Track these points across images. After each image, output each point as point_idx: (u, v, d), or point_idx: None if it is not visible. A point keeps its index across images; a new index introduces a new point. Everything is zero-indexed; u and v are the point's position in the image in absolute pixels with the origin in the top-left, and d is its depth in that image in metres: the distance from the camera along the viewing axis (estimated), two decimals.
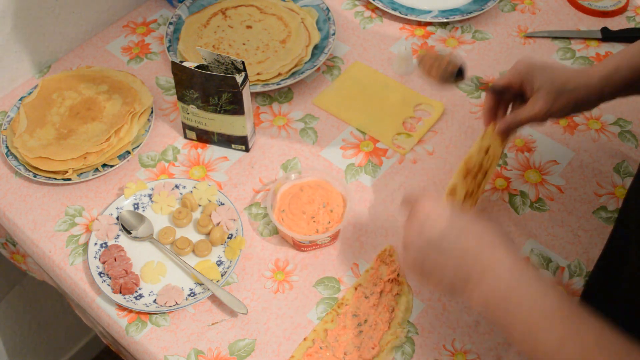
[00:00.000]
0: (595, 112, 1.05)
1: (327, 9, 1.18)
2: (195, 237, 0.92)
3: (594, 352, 0.59)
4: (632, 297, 0.72)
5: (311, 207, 0.90)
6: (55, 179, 0.97)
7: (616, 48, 1.15)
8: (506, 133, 0.89)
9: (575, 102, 0.84)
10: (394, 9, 1.20)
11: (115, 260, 0.89)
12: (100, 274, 0.88)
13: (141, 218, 0.94)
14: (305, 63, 1.11)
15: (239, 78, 0.92)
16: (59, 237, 0.93)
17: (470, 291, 0.68)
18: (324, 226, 0.89)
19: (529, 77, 0.85)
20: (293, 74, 1.09)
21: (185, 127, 1.02)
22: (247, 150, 1.02)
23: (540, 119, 0.86)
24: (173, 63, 0.94)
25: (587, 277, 0.88)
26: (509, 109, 0.91)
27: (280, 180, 0.93)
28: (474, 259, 0.68)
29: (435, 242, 0.71)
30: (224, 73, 0.94)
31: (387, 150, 1.02)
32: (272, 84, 1.07)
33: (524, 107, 0.86)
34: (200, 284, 0.88)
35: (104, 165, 0.99)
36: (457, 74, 0.89)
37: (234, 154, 1.02)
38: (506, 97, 0.90)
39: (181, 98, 0.98)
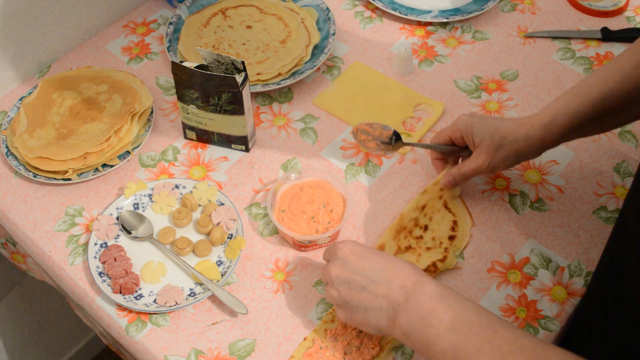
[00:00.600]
0: None
1: (327, 9, 1.18)
2: (195, 237, 0.92)
3: (513, 353, 0.62)
4: (635, 299, 0.72)
5: (311, 207, 0.90)
6: (55, 179, 0.97)
7: (616, 48, 1.15)
8: (452, 185, 0.92)
9: (517, 153, 0.86)
10: (394, 9, 1.20)
11: (115, 260, 0.89)
12: (100, 274, 0.88)
13: (141, 218, 0.94)
14: (305, 63, 1.11)
15: (239, 78, 0.92)
16: (59, 237, 0.93)
17: (395, 319, 0.70)
18: (324, 226, 0.89)
19: (468, 131, 0.88)
20: (293, 74, 1.09)
21: (185, 127, 1.02)
22: (247, 150, 1.02)
23: (484, 171, 0.89)
24: (173, 63, 0.94)
25: (587, 277, 0.88)
26: (460, 159, 0.95)
27: (280, 180, 0.93)
28: (399, 288, 0.71)
29: (361, 273, 0.74)
30: (224, 73, 0.94)
31: None
32: (272, 84, 1.07)
33: (467, 161, 0.90)
34: (200, 284, 0.88)
35: (104, 165, 0.99)
36: (395, 139, 0.94)
37: (234, 154, 1.02)
38: (453, 150, 0.93)
39: (181, 98, 0.98)
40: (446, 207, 0.93)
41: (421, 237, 0.91)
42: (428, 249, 0.90)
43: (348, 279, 0.74)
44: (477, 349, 0.64)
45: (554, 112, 0.84)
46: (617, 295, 0.76)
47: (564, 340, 0.86)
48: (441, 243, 0.90)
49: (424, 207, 0.93)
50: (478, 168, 0.88)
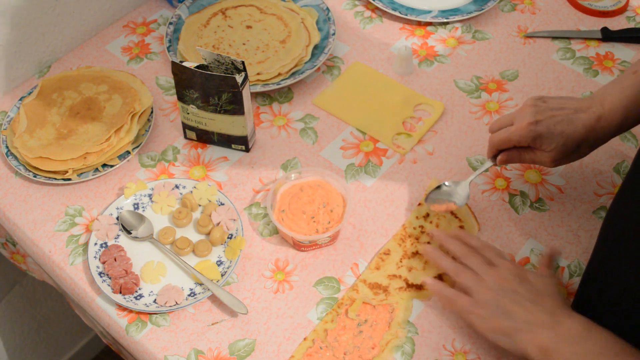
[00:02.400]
0: None
1: (327, 9, 1.18)
2: (195, 237, 0.92)
3: None
4: (625, 296, 0.72)
5: (311, 207, 0.90)
6: (55, 179, 0.97)
7: (616, 48, 1.15)
8: (505, 163, 0.90)
9: (591, 148, 0.85)
10: (394, 9, 1.20)
11: (115, 260, 0.89)
12: (100, 274, 0.88)
13: (141, 218, 0.94)
14: (305, 63, 1.11)
15: (239, 78, 0.92)
16: (59, 237, 0.93)
17: (534, 334, 0.73)
18: (324, 226, 0.89)
19: (537, 144, 0.84)
20: (293, 74, 1.09)
21: (185, 127, 1.02)
22: (247, 150, 1.02)
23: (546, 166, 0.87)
24: (173, 63, 0.94)
25: None
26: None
27: (280, 180, 0.93)
28: (549, 312, 0.75)
29: (521, 291, 0.78)
30: (224, 73, 0.94)
31: (387, 150, 1.02)
32: (272, 84, 1.07)
33: (531, 154, 0.86)
34: (200, 284, 0.88)
35: (104, 165, 0.99)
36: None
37: (234, 154, 1.02)
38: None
39: (181, 98, 0.98)
40: (452, 212, 0.93)
41: (429, 242, 0.91)
42: None
43: (509, 290, 0.78)
44: None
45: (635, 91, 0.81)
46: (602, 297, 0.76)
47: None
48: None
49: (426, 215, 0.94)
50: (541, 163, 0.86)
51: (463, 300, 0.80)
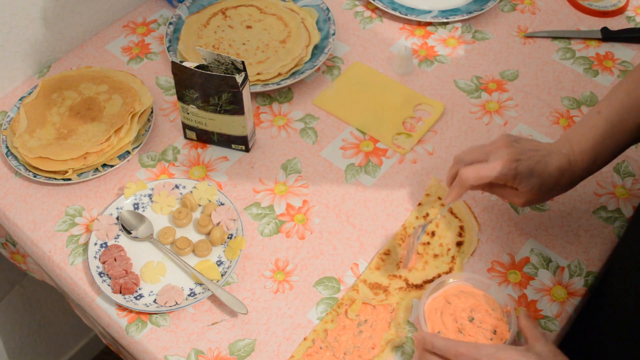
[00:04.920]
0: None
1: (327, 9, 1.18)
2: (195, 237, 0.92)
3: None
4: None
5: (465, 322, 0.82)
6: (55, 179, 0.97)
7: (616, 48, 1.15)
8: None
9: (565, 189, 0.84)
10: (394, 9, 1.20)
11: (115, 260, 0.89)
12: (100, 274, 0.88)
13: (141, 218, 0.94)
14: (305, 63, 1.11)
15: (239, 78, 0.92)
16: (59, 237, 0.93)
17: None
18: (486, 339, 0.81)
19: (515, 183, 0.81)
20: (293, 74, 1.09)
21: (185, 127, 1.02)
22: (247, 150, 1.02)
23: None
24: (173, 63, 0.94)
25: (587, 277, 0.88)
26: None
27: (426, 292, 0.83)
28: None
29: None
30: (224, 73, 0.94)
31: (387, 150, 1.02)
32: (272, 84, 1.07)
33: (502, 191, 0.84)
34: (200, 284, 0.88)
35: (104, 165, 0.99)
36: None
37: (234, 154, 1.02)
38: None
39: (181, 98, 0.98)
40: (452, 212, 0.93)
41: (428, 243, 0.91)
42: (435, 255, 0.90)
43: None
44: None
45: (602, 131, 0.80)
46: (618, 300, 0.75)
47: (564, 340, 0.86)
48: (449, 250, 0.90)
49: (426, 215, 0.94)
50: (511, 202, 0.85)
51: None
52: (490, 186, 0.84)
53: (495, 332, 0.80)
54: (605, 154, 0.82)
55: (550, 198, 0.86)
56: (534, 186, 0.80)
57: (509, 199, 0.84)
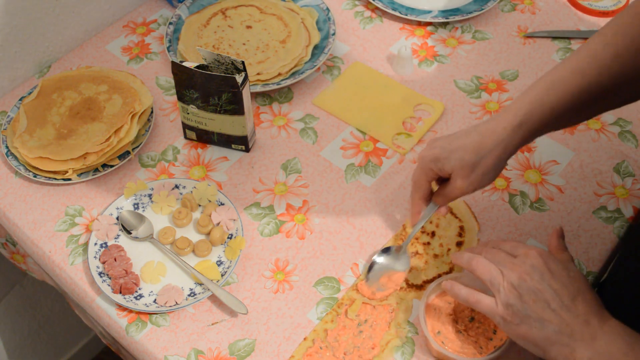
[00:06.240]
0: None
1: (327, 9, 1.18)
2: (195, 237, 0.92)
3: None
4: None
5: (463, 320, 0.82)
6: (55, 179, 0.97)
7: None
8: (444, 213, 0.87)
9: (494, 164, 0.80)
10: (394, 9, 1.20)
11: (115, 260, 0.89)
12: (100, 274, 0.88)
13: (141, 218, 0.94)
14: (305, 63, 1.11)
15: (239, 78, 0.92)
16: (59, 237, 0.93)
17: (573, 351, 0.69)
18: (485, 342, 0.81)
19: (439, 166, 0.81)
20: (293, 74, 1.09)
21: (185, 127, 1.02)
22: (247, 150, 1.02)
23: (465, 194, 0.82)
24: (173, 63, 0.94)
25: (587, 276, 0.88)
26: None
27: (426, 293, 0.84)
28: (584, 324, 0.70)
29: (552, 292, 0.71)
30: (224, 73, 0.94)
31: (387, 150, 1.02)
32: (272, 84, 1.07)
33: (445, 189, 0.83)
34: (200, 284, 0.88)
35: (104, 165, 0.99)
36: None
37: (234, 154, 1.02)
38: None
39: (181, 98, 0.98)
40: (451, 212, 0.93)
41: (429, 243, 0.91)
42: (435, 255, 0.90)
43: (537, 291, 0.71)
44: None
45: (528, 108, 0.78)
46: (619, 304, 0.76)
47: None
48: (449, 250, 0.90)
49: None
50: (460, 192, 0.82)
51: (485, 302, 0.74)
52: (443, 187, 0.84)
53: (495, 332, 0.80)
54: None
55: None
56: (465, 164, 0.79)
57: (455, 191, 0.82)
